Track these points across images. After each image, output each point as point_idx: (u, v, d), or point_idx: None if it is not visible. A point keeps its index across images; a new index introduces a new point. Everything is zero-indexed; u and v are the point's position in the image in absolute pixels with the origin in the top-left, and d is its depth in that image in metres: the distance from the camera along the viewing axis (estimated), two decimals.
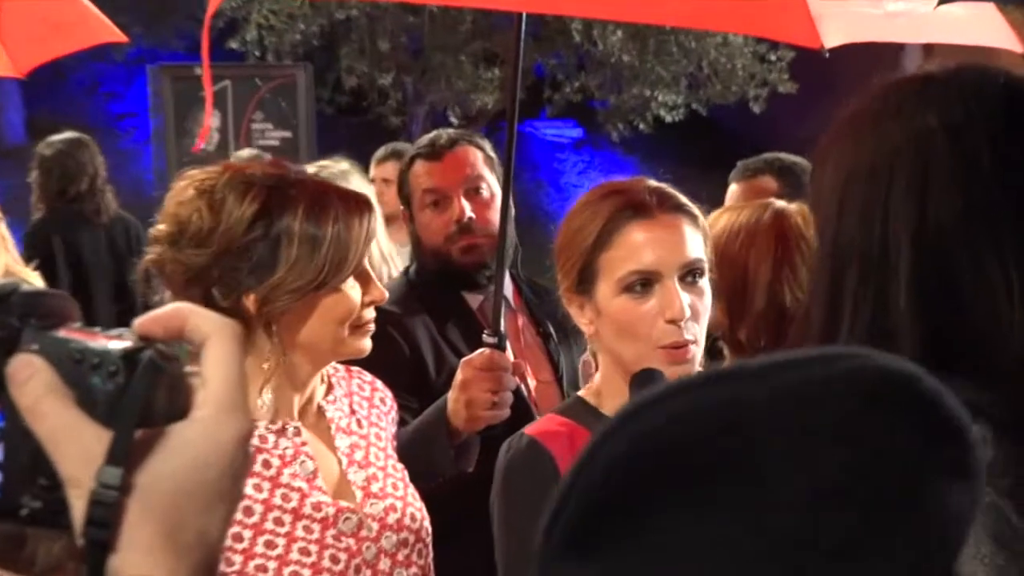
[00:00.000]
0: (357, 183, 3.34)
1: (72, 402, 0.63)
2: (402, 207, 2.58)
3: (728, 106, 10.44)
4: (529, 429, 1.74)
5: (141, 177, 9.78)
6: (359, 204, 1.72)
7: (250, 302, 1.67)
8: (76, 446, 0.62)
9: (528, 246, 2.97)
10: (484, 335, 2.16)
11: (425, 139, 2.57)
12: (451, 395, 2.12)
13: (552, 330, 2.51)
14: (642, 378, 1.62)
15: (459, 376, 2.11)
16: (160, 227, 1.69)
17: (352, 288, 1.73)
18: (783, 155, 3.37)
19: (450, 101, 10.42)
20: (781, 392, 0.54)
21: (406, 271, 2.61)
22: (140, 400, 0.63)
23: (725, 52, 10.03)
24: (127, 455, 0.62)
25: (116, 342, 0.64)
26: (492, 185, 2.51)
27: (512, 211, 2.32)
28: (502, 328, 2.19)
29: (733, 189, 3.30)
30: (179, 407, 0.65)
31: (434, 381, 2.36)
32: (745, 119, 10.52)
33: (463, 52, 10.20)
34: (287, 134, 8.62)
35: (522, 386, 2.31)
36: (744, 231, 2.04)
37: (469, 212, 2.46)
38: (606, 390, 1.74)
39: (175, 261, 1.66)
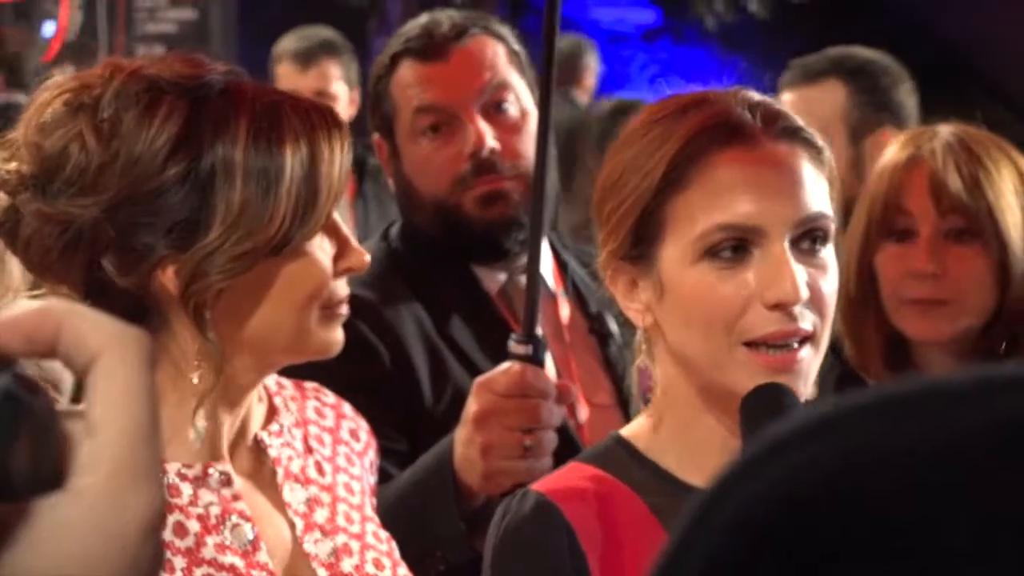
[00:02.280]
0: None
1: None
2: (377, 135, 2.60)
3: None
4: (540, 484, 1.75)
5: None
6: (327, 119, 1.73)
7: (167, 278, 1.69)
8: None
9: (572, 195, 2.95)
10: (512, 340, 2.16)
11: (414, 27, 2.57)
12: (460, 436, 2.13)
13: (613, 325, 2.53)
14: (759, 402, 1.62)
15: (472, 407, 2.12)
16: (10, 166, 1.69)
17: (321, 249, 1.74)
18: (855, 49, 3.55)
19: None
20: (987, 433, 0.55)
21: (385, 234, 2.62)
22: None
23: None
24: None
25: None
26: (522, 97, 2.51)
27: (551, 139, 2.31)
28: (538, 327, 2.18)
29: (786, 100, 3.42)
30: (51, 469, 0.64)
31: (431, 408, 2.38)
32: None
33: None
34: (190, 14, 8.63)
35: (568, 421, 2.31)
36: None
37: (491, 140, 2.46)
38: (668, 415, 1.75)
39: (41, 217, 1.67)
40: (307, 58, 4.95)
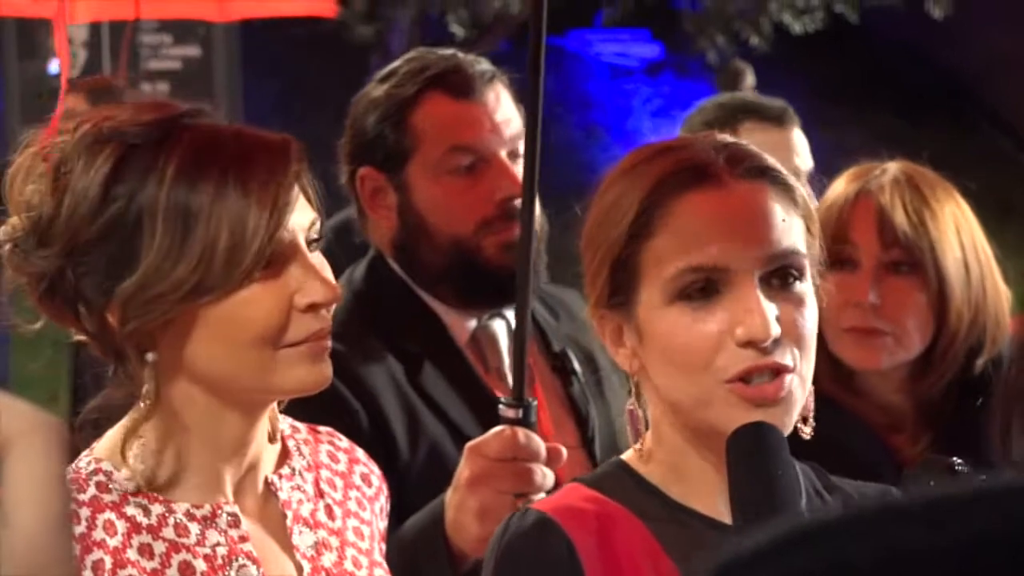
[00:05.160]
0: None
1: None
2: (366, 168, 2.52)
3: (892, 9, 10.45)
4: (541, 503, 1.79)
5: None
6: (271, 151, 1.74)
7: (113, 317, 1.72)
8: None
9: (575, 233, 3.03)
10: (501, 404, 2.16)
11: (443, 57, 2.54)
12: (452, 500, 2.15)
13: (576, 364, 2.55)
14: (743, 441, 1.66)
15: (464, 471, 2.13)
16: (12, 220, 1.76)
17: (272, 287, 1.72)
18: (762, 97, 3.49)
19: (452, 1, 10.48)
20: (935, 551, 0.60)
21: (349, 280, 2.56)
22: None
23: None
24: None
25: None
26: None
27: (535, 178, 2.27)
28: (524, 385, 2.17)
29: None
30: None
31: (408, 464, 2.39)
32: (919, 29, 10.51)
33: None
34: (194, 51, 8.62)
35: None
36: None
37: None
38: (660, 454, 1.78)
39: (19, 271, 1.74)
40: None
